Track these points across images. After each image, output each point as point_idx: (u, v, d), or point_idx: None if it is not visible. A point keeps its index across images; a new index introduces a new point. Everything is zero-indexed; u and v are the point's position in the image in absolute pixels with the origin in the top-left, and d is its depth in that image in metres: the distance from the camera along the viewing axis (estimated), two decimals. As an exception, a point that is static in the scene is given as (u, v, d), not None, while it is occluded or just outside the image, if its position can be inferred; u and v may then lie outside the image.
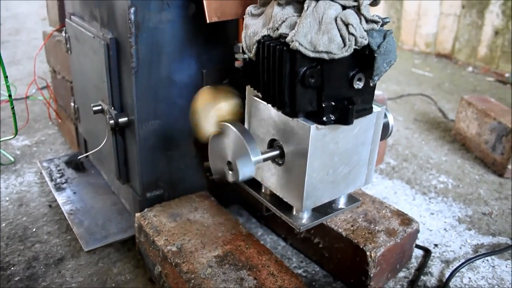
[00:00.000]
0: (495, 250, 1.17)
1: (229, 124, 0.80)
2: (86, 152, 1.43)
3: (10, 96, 1.00)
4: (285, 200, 0.86)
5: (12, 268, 1.05)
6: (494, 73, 2.77)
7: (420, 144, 1.80)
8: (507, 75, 2.69)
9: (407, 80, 2.62)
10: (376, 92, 0.86)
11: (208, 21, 0.88)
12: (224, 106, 0.92)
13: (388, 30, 0.73)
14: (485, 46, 2.82)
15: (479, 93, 2.44)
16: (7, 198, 1.32)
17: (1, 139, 1.45)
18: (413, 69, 2.87)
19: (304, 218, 0.86)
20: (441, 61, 3.07)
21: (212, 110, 0.91)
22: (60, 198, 1.25)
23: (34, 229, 1.19)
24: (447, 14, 3.01)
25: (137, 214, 1.03)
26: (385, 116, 0.90)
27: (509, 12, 2.65)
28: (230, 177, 0.81)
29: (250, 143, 0.75)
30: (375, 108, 0.82)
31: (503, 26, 2.69)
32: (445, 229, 1.27)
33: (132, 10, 0.88)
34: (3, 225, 1.20)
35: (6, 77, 0.96)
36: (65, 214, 1.18)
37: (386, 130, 0.91)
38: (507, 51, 2.70)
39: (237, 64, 1.05)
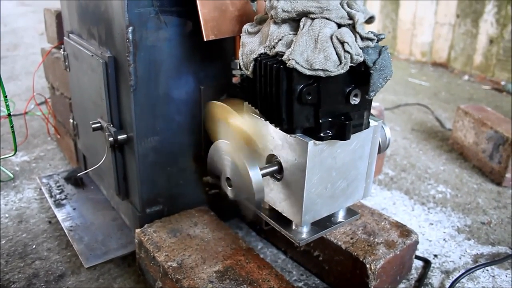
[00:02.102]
0: (495, 260, 1.18)
1: (229, 142, 0.81)
2: (85, 167, 1.44)
3: (9, 115, 1.01)
4: (284, 214, 0.86)
5: (13, 286, 1.05)
6: (490, 81, 2.79)
7: (418, 154, 1.81)
8: (503, 83, 2.71)
9: (404, 90, 2.64)
10: (373, 103, 0.87)
11: (205, 39, 0.90)
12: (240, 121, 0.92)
13: (383, 46, 0.74)
14: (480, 54, 2.84)
15: (475, 102, 2.46)
16: (7, 215, 1.32)
17: (1, 157, 1.46)
18: (409, 78, 2.89)
19: (304, 232, 0.87)
20: (437, 70, 3.09)
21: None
22: (60, 214, 1.26)
23: (34, 246, 1.19)
24: (442, 23, 3.04)
25: (137, 230, 1.03)
26: (382, 128, 0.91)
27: (503, 20, 2.68)
28: (229, 193, 0.82)
29: (249, 160, 0.76)
30: (372, 123, 0.83)
31: (498, 35, 2.72)
32: (444, 239, 1.27)
33: (130, 29, 0.89)
34: (3, 242, 1.20)
35: (5, 96, 0.97)
36: (65, 230, 1.18)
37: (383, 143, 0.92)
38: (502, 59, 2.72)
39: (235, 80, 1.06)
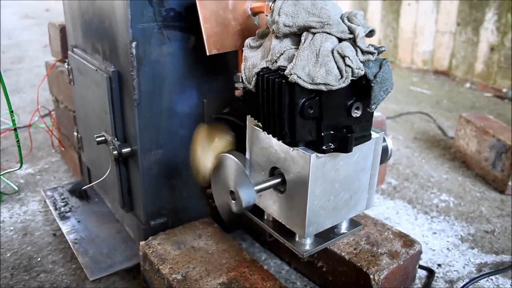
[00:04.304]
0: (499, 269, 1.18)
1: (228, 154, 0.82)
2: (90, 180, 1.44)
3: (15, 129, 1.02)
4: (287, 226, 0.87)
5: (18, 300, 1.05)
6: (492, 88, 2.79)
7: (421, 163, 1.81)
8: (504, 90, 2.71)
9: (406, 99, 2.65)
10: (375, 113, 0.87)
11: (208, 54, 0.91)
12: (218, 143, 0.93)
13: (384, 59, 0.75)
14: (481, 62, 2.85)
15: (477, 109, 2.46)
16: (12, 228, 1.33)
17: (7, 171, 1.47)
18: (411, 87, 2.90)
19: (307, 244, 0.87)
20: (439, 78, 3.10)
21: (208, 150, 0.92)
22: (65, 227, 1.26)
23: (39, 259, 1.19)
24: (443, 31, 3.05)
25: (142, 243, 1.04)
26: (384, 140, 0.91)
27: (503, 28, 2.69)
28: (233, 206, 0.82)
29: (250, 171, 0.77)
30: (374, 134, 0.84)
31: (498, 42, 2.73)
32: (448, 249, 1.27)
33: (133, 44, 0.90)
34: (8, 255, 1.21)
35: (11, 111, 0.98)
36: (70, 243, 1.19)
37: (385, 154, 0.93)
38: (503, 67, 2.72)
39: (237, 93, 1.07)
